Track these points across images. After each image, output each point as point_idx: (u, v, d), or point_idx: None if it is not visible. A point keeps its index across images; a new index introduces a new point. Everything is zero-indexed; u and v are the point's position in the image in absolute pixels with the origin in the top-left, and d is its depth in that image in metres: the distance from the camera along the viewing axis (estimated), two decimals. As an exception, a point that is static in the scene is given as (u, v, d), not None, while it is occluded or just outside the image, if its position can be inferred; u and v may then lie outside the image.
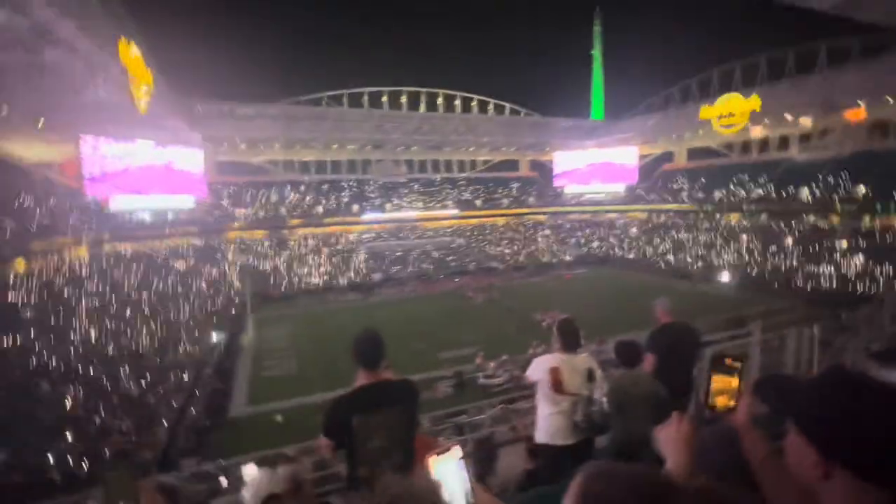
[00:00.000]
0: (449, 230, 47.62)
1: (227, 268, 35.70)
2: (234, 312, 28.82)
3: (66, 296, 22.26)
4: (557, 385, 2.79)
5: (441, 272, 39.19)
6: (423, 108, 44.19)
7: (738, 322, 18.32)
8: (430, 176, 52.75)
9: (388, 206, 46.91)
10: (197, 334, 23.22)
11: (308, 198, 45.26)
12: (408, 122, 43.24)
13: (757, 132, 41.60)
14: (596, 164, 50.62)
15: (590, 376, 2.83)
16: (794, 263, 30.47)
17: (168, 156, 35.37)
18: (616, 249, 44.77)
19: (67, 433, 12.27)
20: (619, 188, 50.62)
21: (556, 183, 53.75)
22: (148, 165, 34.05)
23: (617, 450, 2.37)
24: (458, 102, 45.43)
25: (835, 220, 32.54)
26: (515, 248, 45.75)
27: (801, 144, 39.33)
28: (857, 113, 34.81)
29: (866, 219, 30.80)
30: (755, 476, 0.98)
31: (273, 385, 18.12)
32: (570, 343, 2.90)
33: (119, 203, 33.39)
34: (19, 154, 28.70)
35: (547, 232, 49.80)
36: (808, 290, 26.88)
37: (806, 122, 38.08)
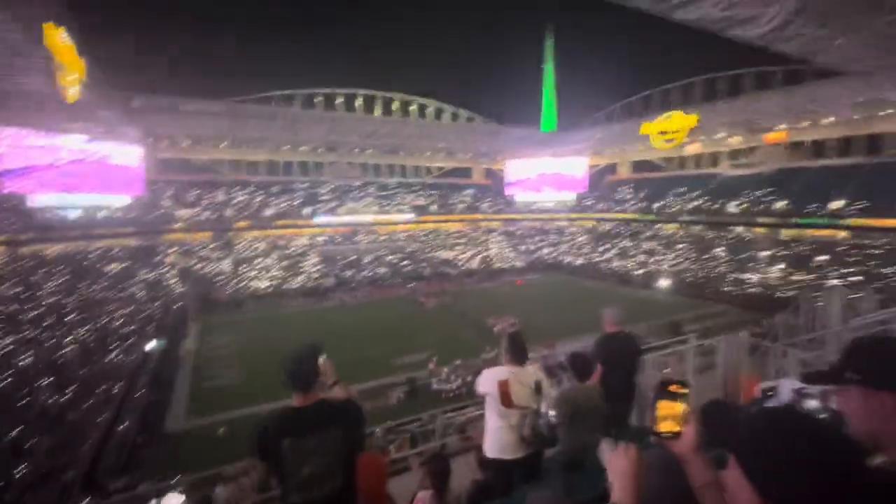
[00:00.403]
0: (403, 235, 47.40)
1: (166, 271, 33.54)
2: (172, 319, 27.08)
3: (-25, 302, 20.08)
4: (506, 398, 2.78)
5: (395, 277, 38.89)
6: (378, 111, 43.84)
7: (676, 327, 19.59)
8: (385, 180, 52.34)
9: (341, 209, 45.99)
10: (130, 342, 21.60)
11: (257, 199, 43.53)
12: (363, 125, 42.67)
13: (693, 148, 44.75)
14: (547, 174, 52.34)
15: (537, 388, 2.85)
16: (724, 270, 32.94)
17: (101, 150, 32.84)
18: (565, 256, 46.38)
19: (-27, 456, 11.01)
20: (570, 197, 52.60)
21: (508, 190, 54.99)
22: (77, 161, 31.43)
23: (566, 460, 2.45)
24: (413, 108, 45.46)
25: (758, 230, 35.54)
26: (469, 253, 46.26)
27: (731, 161, 42.73)
28: (779, 134, 38.32)
29: (785, 231, 33.90)
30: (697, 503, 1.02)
31: (216, 396, 17.17)
32: (519, 356, 2.92)
33: (42, 200, 30.58)
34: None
35: (499, 238, 50.77)
36: (736, 295, 29.11)
37: (735, 140, 41.44)
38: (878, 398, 0.92)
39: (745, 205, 37.21)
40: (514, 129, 50.76)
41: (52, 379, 16.17)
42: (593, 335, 4.23)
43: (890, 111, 30.73)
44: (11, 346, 17.66)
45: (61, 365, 17.61)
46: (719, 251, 35.70)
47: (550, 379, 3.10)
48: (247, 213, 41.82)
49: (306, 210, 44.15)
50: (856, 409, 0.97)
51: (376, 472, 2.73)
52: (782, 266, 30.52)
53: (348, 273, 38.82)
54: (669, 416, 1.08)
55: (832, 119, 34.34)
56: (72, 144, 31.04)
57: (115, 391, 16.61)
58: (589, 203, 51.64)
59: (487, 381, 2.89)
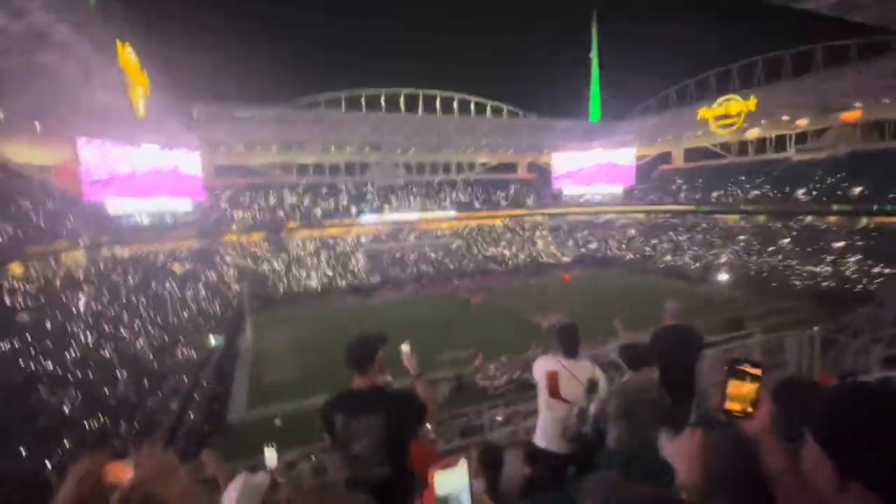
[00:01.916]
0: (447, 232, 47.62)
1: (225, 271, 35.64)
2: (232, 316, 28.74)
3: (63, 300, 22.17)
4: (554, 390, 2.74)
5: (440, 274, 39.16)
6: (420, 110, 44.22)
7: (737, 323, 18.37)
8: (428, 178, 52.74)
9: (386, 208, 46.88)
10: (195, 338, 23.14)
11: (306, 200, 45.23)
12: (406, 124, 43.25)
13: (754, 133, 41.79)
14: (594, 166, 50.77)
15: (591, 387, 2.75)
16: (792, 263, 30.54)
17: (168, 159, 35.36)
18: (614, 250, 44.83)
19: (65, 439, 12.20)
20: (618, 189, 50.74)
21: (555, 184, 53.81)
22: (149, 169, 34.07)
23: (622, 456, 2.34)
24: (455, 104, 45.47)
25: (831, 219, 32.66)
26: (514, 249, 45.77)
27: (798, 145, 39.50)
28: (853, 114, 34.99)
29: (863, 219, 30.93)
30: (771, 485, 0.96)
31: (272, 389, 18.06)
32: (570, 349, 2.85)
33: (117, 206, 33.32)
34: (16, 159, 28.66)
35: (545, 233, 49.84)
36: (806, 289, 26.92)
37: (802, 122, 38.27)
38: None
39: (815, 192, 34.32)
40: (558, 122, 49.60)
41: (128, 371, 17.63)
42: (645, 333, 4.07)
43: None
44: (93, 341, 19.41)
45: (137, 359, 19.16)
46: (786, 242, 33.15)
47: (605, 374, 2.98)
48: (297, 214, 43.55)
49: (353, 209, 45.37)
50: None
51: (427, 459, 2.74)
52: (859, 257, 27.88)
53: (394, 271, 39.56)
54: (739, 395, 1.03)
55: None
56: (145, 155, 33.65)
57: (184, 383, 17.87)
58: (639, 195, 49.54)
59: (538, 370, 2.88)
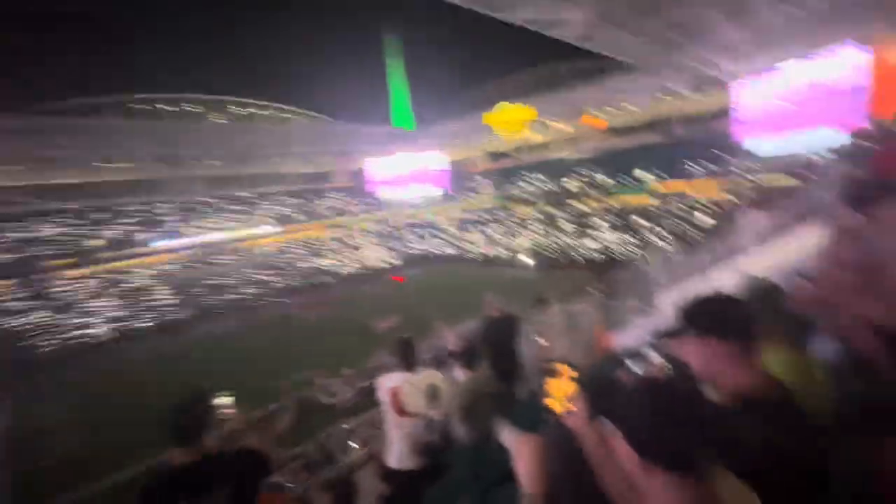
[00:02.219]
0: (270, 248, 44.01)
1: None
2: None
3: None
4: (399, 407, 2.75)
5: (267, 294, 36.00)
6: (211, 118, 39.67)
7: (543, 301, 21.82)
8: (237, 193, 47.68)
9: (188, 229, 40.72)
10: None
11: (76, 230, 36.09)
12: (202, 134, 38.27)
13: (536, 137, 49.94)
14: (410, 170, 53.16)
15: (432, 393, 2.81)
16: (571, 242, 37.76)
17: None
18: (438, 248, 48.13)
19: None
20: (436, 191, 54.29)
21: (371, 189, 54.50)
22: None
23: (470, 454, 2.52)
24: (251, 111, 42.14)
25: (592, 203, 41.56)
26: (343, 258, 45.04)
27: (566, 147, 48.79)
28: (599, 120, 44.90)
29: (610, 200, 40.25)
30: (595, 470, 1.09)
31: (53, 474, 14.00)
32: (409, 361, 2.93)
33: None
34: None
35: (373, 238, 50.39)
36: (584, 263, 33.68)
37: (567, 127, 47.38)
38: (708, 345, 1.14)
39: (579, 182, 43.13)
40: (369, 128, 50.53)
41: None
42: (475, 317, 4.51)
43: (669, 98, 38.24)
44: None
45: None
46: (566, 225, 40.72)
47: (446, 376, 3.17)
48: (63, 249, 34.45)
49: (144, 236, 38.11)
50: (694, 356, 1.18)
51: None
52: (615, 232, 36.18)
53: (210, 299, 34.74)
54: (560, 394, 1.21)
55: (633, 107, 41.39)
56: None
57: None
58: (454, 195, 54.16)
59: (381, 389, 2.88)
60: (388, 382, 2.87)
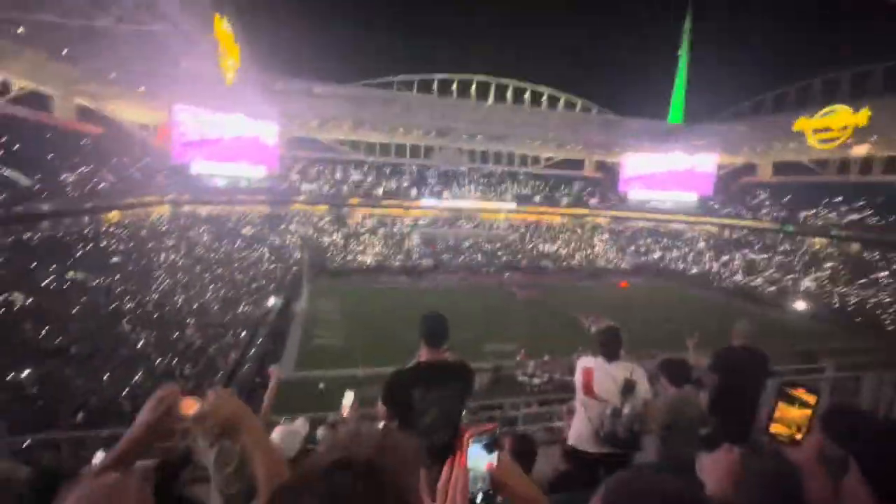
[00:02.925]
0: (504, 224, 47.19)
1: (288, 238, 37.71)
2: (290, 280, 30.43)
3: (148, 247, 24.53)
4: (588, 387, 2.74)
5: (491, 265, 39.01)
6: (491, 98, 43.71)
7: (810, 356, 16.82)
8: (491, 167, 52.33)
9: (446, 193, 47.17)
10: (256, 296, 24.80)
11: (370, 178, 46.53)
12: (474, 111, 43.03)
13: (860, 150, 37.35)
14: (668, 170, 47.75)
15: (627, 386, 2.68)
16: (886, 299, 27.30)
17: (250, 128, 37.79)
18: (679, 262, 42.32)
19: (139, 370, 13.62)
20: (691, 198, 47.52)
21: (622, 186, 51.34)
22: (233, 136, 36.63)
23: (658, 469, 2.25)
24: (527, 95, 44.48)
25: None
26: (570, 249, 44.53)
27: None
28: None
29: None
30: None
31: (319, 353, 18.99)
32: (609, 351, 2.81)
33: (200, 168, 36.09)
34: (122, 117, 31.74)
35: (605, 236, 48.00)
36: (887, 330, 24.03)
37: (921, 143, 33.70)
38: None
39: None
40: (633, 121, 47.10)
41: (197, 319, 19.27)
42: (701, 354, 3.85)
43: None
44: (169, 290, 21.34)
45: (204, 308, 20.90)
46: (883, 276, 29.64)
47: (651, 386, 2.87)
48: (360, 191, 44.97)
49: (413, 192, 46.11)
50: None
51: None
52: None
53: (446, 256, 39.91)
54: (787, 420, 0.96)
55: None
56: (230, 122, 36.18)
57: (242, 336, 19.27)
58: (715, 206, 46.19)
59: (578, 368, 2.88)
60: (585, 363, 2.85)
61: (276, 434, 2.44)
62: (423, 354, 2.39)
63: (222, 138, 35.80)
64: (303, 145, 47.01)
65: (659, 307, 28.60)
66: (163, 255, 24.76)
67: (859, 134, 33.57)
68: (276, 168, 41.44)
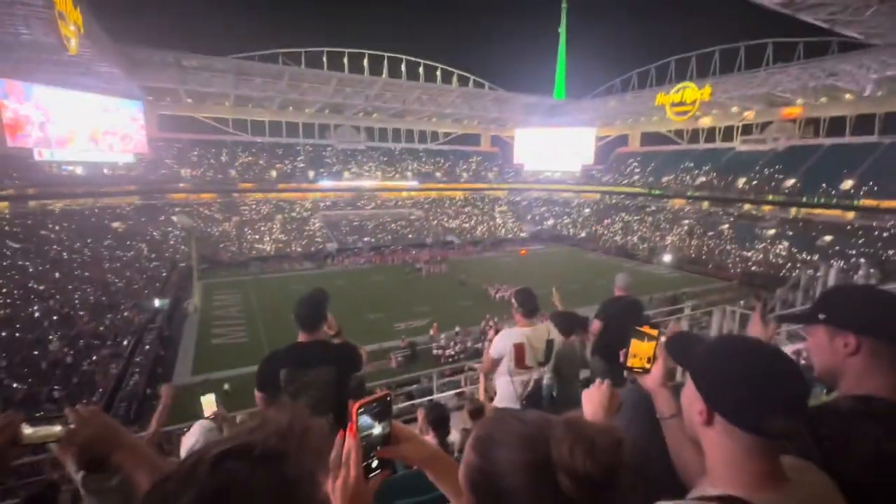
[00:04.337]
0: (408, 202, 47.19)
1: (170, 231, 33.72)
2: (178, 277, 27.49)
3: (-16, 254, 20.40)
4: (520, 361, 2.83)
5: (397, 244, 39.00)
6: (385, 73, 42.61)
7: (674, 300, 19.83)
8: (390, 145, 51.58)
9: (346, 173, 45.63)
10: (137, 299, 22.05)
11: (261, 161, 43.17)
12: (369, 86, 41.71)
13: (706, 121, 43.68)
14: (555, 143, 51.34)
15: (549, 348, 2.90)
16: (728, 247, 32.86)
17: (106, 106, 32.47)
18: (569, 228, 46.24)
19: (-10, 401, 11.50)
20: (576, 168, 51.82)
21: (516, 159, 54.19)
22: (85, 115, 31.12)
23: (553, 410, 2.55)
24: (421, 70, 44.17)
25: (766, 209, 35.15)
26: (473, 222, 46.17)
27: (743, 136, 41.73)
28: (794, 110, 37.25)
29: (793, 209, 33.51)
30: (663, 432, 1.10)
31: (221, 353, 17.64)
32: (529, 310, 2.93)
33: (47, 155, 30.43)
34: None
35: (504, 208, 50.52)
36: (738, 272, 29.15)
37: (749, 114, 40.36)
38: (841, 338, 1.02)
39: (754, 181, 36.63)
40: (524, 96, 49.51)
41: (62, 332, 16.62)
42: (593, 306, 4.35)
43: (913, 88, 29.71)
44: (19, 301, 18.06)
45: (71, 318, 18.06)
46: (725, 228, 35.48)
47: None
48: (251, 175, 41.58)
49: (311, 173, 43.84)
50: (820, 345, 1.07)
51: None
52: (786, 245, 30.41)
53: (351, 238, 38.97)
54: (639, 353, 1.18)
55: (849, 96, 33.11)
56: (79, 100, 30.65)
57: (125, 345, 17.09)
58: (596, 175, 50.96)
59: (502, 342, 2.91)
60: (513, 337, 2.87)
61: (196, 431, 2.32)
62: (300, 337, 2.31)
63: (69, 118, 30.32)
64: (177, 126, 41.85)
65: (554, 269, 31.16)
66: (6, 262, 20.74)
67: (705, 107, 39.14)
68: (146, 152, 36.43)
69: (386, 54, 42.52)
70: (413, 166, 50.09)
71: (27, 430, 0.96)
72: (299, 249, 35.87)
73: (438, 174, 50.58)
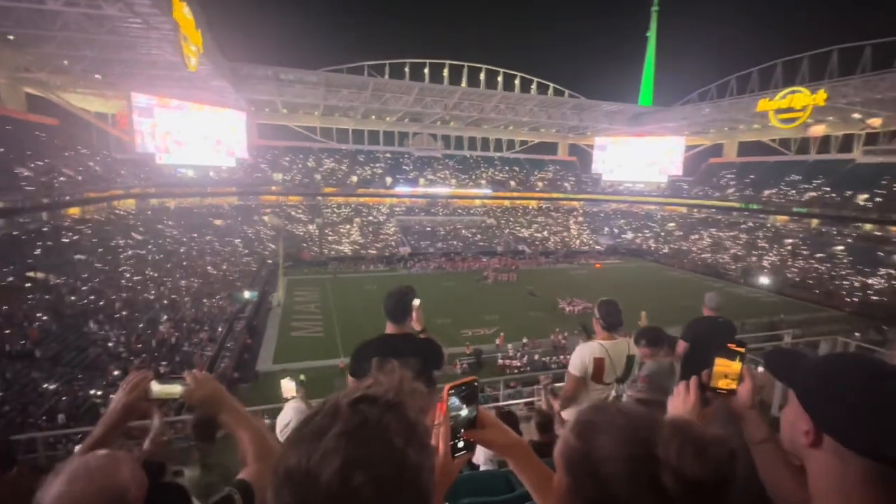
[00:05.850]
0: (480, 209, 47.32)
1: (262, 229, 36.87)
2: (266, 272, 29.87)
3: (113, 243, 23.61)
4: (598, 375, 2.77)
5: (468, 251, 39.17)
6: (464, 82, 43.25)
7: (771, 327, 17.75)
8: (465, 153, 52.16)
9: (421, 180, 46.87)
10: (230, 290, 24.27)
11: (343, 166, 45.76)
12: (449, 95, 42.57)
13: (818, 130, 38.91)
14: (638, 153, 48.70)
15: (629, 365, 2.80)
16: (843, 273, 28.82)
17: (220, 117, 36.46)
18: (651, 242, 43.48)
19: (112, 369, 13.22)
20: (661, 179, 48.69)
21: (595, 169, 52.13)
22: (198, 124, 35.20)
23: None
24: (500, 79, 44.24)
25: (893, 229, 30.38)
26: (546, 232, 45.11)
27: (866, 146, 36.58)
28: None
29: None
30: (753, 457, 0.99)
31: (299, 345, 18.82)
32: (611, 323, 2.80)
33: (165, 159, 34.72)
34: (78, 105, 30.09)
35: (580, 219, 48.79)
36: (853, 301, 25.42)
37: (875, 122, 35.28)
38: None
39: (877, 198, 31.87)
40: (605, 104, 47.56)
41: (168, 316, 18.76)
42: (676, 328, 4.04)
43: None
44: (139, 286, 20.65)
45: (177, 304, 20.34)
46: (839, 249, 31.22)
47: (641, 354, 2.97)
48: (334, 180, 44.19)
49: (388, 179, 45.61)
50: None
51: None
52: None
53: (423, 243, 39.85)
54: (725, 373, 1.07)
55: None
56: (194, 110, 34.75)
57: (218, 331, 18.89)
58: (684, 187, 47.44)
59: (582, 356, 2.81)
60: (592, 352, 2.76)
61: (290, 410, 2.51)
62: (388, 328, 2.43)
63: (185, 127, 34.44)
64: (272, 133, 45.77)
65: (632, 286, 29.40)
66: (130, 251, 23.89)
67: (818, 113, 34.88)
68: (245, 158, 40.24)
69: (466, 64, 43.25)
70: (488, 174, 50.17)
71: (155, 387, 1.14)
72: (374, 252, 37.38)
73: (513, 183, 50.13)
